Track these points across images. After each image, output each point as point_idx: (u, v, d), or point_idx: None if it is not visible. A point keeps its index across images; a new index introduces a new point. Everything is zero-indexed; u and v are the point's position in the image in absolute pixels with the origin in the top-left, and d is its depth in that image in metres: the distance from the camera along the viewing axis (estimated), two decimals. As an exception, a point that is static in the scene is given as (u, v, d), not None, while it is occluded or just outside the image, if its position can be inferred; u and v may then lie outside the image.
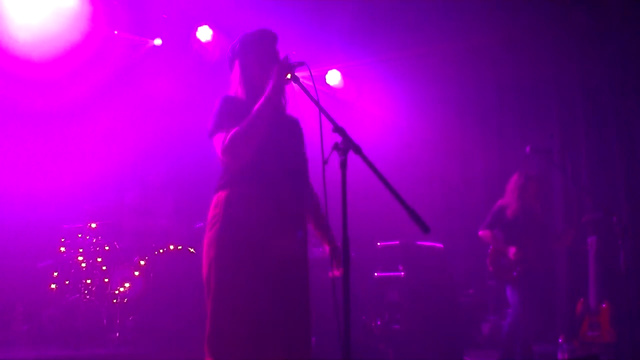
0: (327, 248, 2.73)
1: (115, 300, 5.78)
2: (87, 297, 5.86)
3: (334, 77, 7.89)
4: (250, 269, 2.44)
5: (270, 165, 2.55)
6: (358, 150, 2.21)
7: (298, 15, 6.51)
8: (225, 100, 2.63)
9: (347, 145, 2.21)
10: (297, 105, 2.84)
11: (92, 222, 6.14)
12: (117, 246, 6.17)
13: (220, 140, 2.50)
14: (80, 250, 6.09)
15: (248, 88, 2.65)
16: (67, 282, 6.00)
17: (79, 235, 6.16)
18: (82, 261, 6.03)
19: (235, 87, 2.70)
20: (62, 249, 6.14)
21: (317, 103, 2.39)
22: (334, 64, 7.82)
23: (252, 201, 2.50)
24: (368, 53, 7.52)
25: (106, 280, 5.98)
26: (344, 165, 2.23)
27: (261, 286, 2.44)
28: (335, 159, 2.25)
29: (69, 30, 6.15)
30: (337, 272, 2.64)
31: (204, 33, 6.90)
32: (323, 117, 2.36)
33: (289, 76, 2.51)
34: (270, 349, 2.45)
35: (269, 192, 2.52)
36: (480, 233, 5.17)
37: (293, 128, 2.78)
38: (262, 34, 2.73)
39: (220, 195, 2.55)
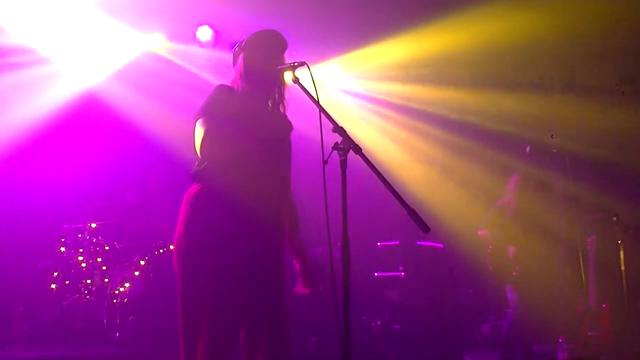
0: (296, 265, 2.69)
1: (115, 300, 5.78)
2: (87, 297, 5.86)
3: (332, 76, 7.87)
4: (218, 274, 2.46)
5: (250, 165, 2.50)
6: (358, 150, 2.20)
7: (298, 15, 6.50)
8: (219, 89, 2.61)
9: (347, 145, 2.21)
10: (297, 105, 2.84)
11: (92, 222, 6.14)
12: (117, 246, 6.17)
13: (199, 128, 2.47)
14: (80, 250, 6.09)
15: (246, 83, 2.64)
16: (67, 282, 6.00)
17: (79, 235, 6.16)
18: (82, 261, 6.03)
19: (235, 79, 2.68)
20: (62, 249, 6.14)
21: (317, 103, 2.39)
22: (334, 64, 7.81)
23: (223, 202, 2.47)
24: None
25: (106, 280, 5.98)
26: (344, 165, 2.23)
27: (229, 289, 2.46)
28: (335, 159, 2.25)
29: (70, 29, 6.15)
30: (303, 290, 2.66)
31: (204, 33, 6.89)
32: (323, 117, 2.35)
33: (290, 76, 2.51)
34: (240, 352, 2.50)
35: (242, 193, 2.47)
36: (480, 233, 5.16)
37: (284, 131, 2.71)
38: (273, 38, 2.69)
39: (193, 189, 2.57)
